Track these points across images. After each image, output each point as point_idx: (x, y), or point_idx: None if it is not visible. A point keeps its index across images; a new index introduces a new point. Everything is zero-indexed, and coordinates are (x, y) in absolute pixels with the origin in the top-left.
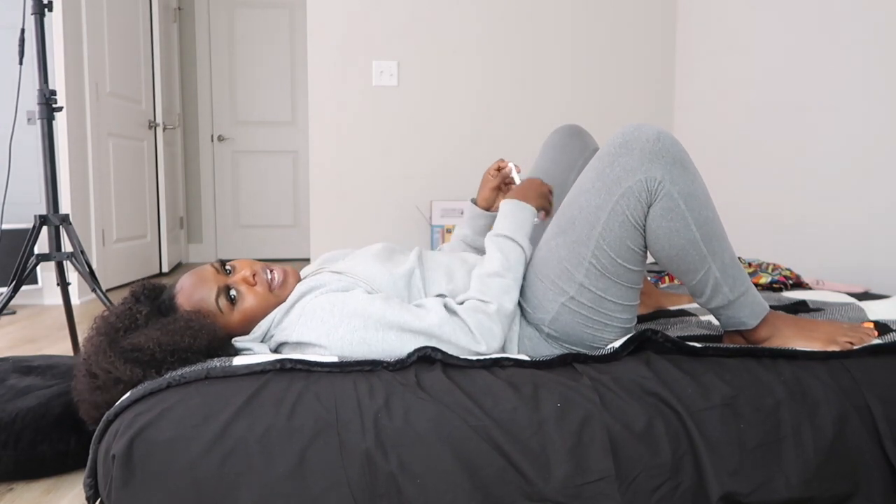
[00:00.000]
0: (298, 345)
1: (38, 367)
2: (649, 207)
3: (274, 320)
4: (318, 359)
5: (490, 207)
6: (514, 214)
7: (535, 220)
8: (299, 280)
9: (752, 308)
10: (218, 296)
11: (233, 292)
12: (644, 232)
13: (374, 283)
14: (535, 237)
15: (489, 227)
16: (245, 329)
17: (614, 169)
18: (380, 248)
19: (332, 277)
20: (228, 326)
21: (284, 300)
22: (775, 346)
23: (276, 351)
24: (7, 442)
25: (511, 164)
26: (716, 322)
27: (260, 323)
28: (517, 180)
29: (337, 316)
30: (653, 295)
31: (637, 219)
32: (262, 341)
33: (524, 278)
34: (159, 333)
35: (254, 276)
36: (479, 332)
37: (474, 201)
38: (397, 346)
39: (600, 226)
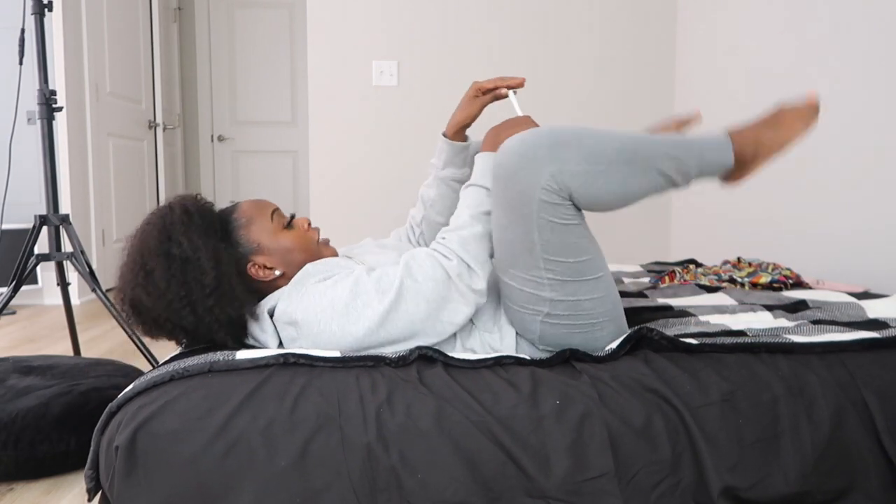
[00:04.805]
0: (292, 322)
1: (38, 367)
2: (570, 195)
3: (293, 280)
4: (320, 353)
5: (467, 121)
6: (486, 162)
7: None
8: (335, 253)
9: (719, 151)
10: (274, 212)
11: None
12: (575, 209)
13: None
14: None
15: (469, 159)
16: (274, 272)
17: (513, 193)
18: (391, 238)
19: (340, 260)
20: (268, 251)
21: (318, 259)
22: (767, 157)
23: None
24: (7, 442)
25: (511, 93)
26: (714, 321)
27: (283, 287)
28: (518, 111)
29: (328, 298)
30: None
31: (563, 215)
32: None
33: (503, 306)
34: (202, 242)
35: (309, 224)
36: (443, 251)
37: (445, 135)
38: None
39: (538, 244)
